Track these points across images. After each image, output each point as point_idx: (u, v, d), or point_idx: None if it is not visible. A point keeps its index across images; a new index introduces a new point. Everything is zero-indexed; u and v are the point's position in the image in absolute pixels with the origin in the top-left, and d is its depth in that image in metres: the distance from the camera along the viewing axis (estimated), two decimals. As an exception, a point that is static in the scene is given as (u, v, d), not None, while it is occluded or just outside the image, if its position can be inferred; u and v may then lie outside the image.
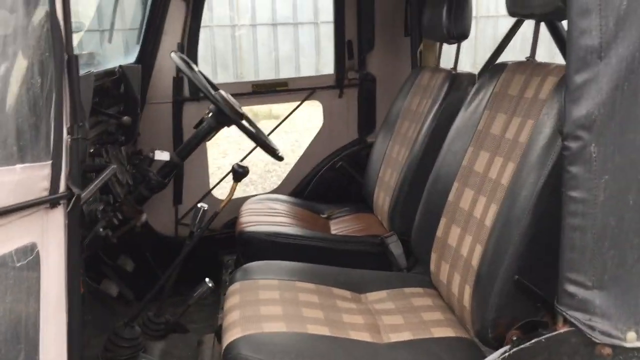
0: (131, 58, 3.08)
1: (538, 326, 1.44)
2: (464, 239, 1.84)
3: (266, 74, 11.26)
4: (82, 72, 1.89)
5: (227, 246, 3.33)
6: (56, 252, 1.19)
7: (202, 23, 3.24)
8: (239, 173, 2.47)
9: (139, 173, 2.84)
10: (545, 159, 1.53)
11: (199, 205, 2.51)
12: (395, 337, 1.77)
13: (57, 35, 1.17)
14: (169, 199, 3.35)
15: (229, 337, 1.67)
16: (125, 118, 2.48)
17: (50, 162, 1.17)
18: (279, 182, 3.77)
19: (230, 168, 2.56)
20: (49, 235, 1.17)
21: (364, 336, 1.74)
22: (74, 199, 1.24)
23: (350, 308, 1.90)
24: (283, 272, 2.10)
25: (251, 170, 2.63)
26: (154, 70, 3.16)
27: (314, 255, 2.63)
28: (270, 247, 2.61)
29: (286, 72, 11.21)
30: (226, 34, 11.38)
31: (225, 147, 7.92)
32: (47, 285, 1.16)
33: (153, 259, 3.27)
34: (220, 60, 11.36)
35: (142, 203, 2.79)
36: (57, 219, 1.19)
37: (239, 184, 2.50)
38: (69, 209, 1.23)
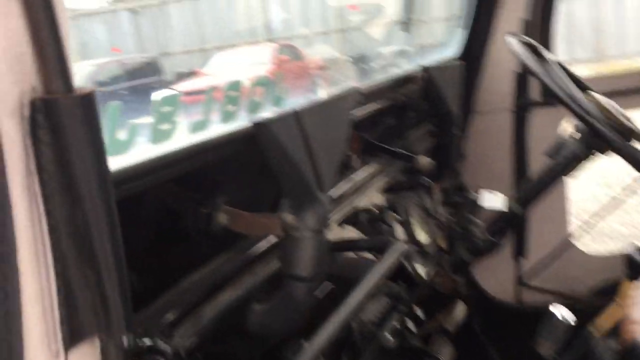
0: (450, 51, 2.13)
1: None
2: None
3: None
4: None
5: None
6: None
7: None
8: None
9: (458, 224, 1.88)
10: None
11: (552, 309, 1.41)
12: None
13: None
14: (506, 248, 2.31)
15: None
16: (424, 160, 1.53)
17: None
18: None
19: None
20: None
21: None
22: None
23: None
24: None
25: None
26: (486, 65, 2.15)
27: None
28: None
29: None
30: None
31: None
32: None
33: (483, 332, 2.29)
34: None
35: (461, 271, 1.83)
36: None
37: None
38: None
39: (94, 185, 0.47)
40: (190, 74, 9.01)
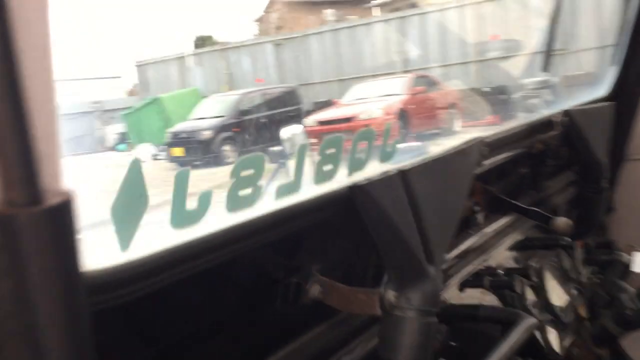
0: (597, 91, 1.89)
1: None
2: None
3: None
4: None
5: None
6: None
7: None
8: None
9: (603, 289, 1.64)
10: None
11: None
12: None
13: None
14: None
15: None
16: (563, 223, 1.33)
17: None
18: None
19: None
20: None
21: None
22: None
23: None
24: None
25: None
26: (641, 106, 1.89)
27: None
28: None
29: None
30: None
31: None
32: None
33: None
34: None
35: (605, 343, 1.58)
36: None
37: None
38: None
39: (63, 327, 0.35)
40: (328, 104, 9.17)
